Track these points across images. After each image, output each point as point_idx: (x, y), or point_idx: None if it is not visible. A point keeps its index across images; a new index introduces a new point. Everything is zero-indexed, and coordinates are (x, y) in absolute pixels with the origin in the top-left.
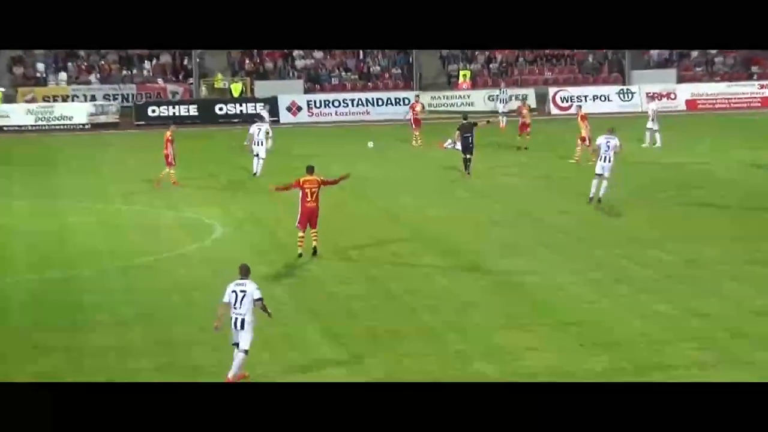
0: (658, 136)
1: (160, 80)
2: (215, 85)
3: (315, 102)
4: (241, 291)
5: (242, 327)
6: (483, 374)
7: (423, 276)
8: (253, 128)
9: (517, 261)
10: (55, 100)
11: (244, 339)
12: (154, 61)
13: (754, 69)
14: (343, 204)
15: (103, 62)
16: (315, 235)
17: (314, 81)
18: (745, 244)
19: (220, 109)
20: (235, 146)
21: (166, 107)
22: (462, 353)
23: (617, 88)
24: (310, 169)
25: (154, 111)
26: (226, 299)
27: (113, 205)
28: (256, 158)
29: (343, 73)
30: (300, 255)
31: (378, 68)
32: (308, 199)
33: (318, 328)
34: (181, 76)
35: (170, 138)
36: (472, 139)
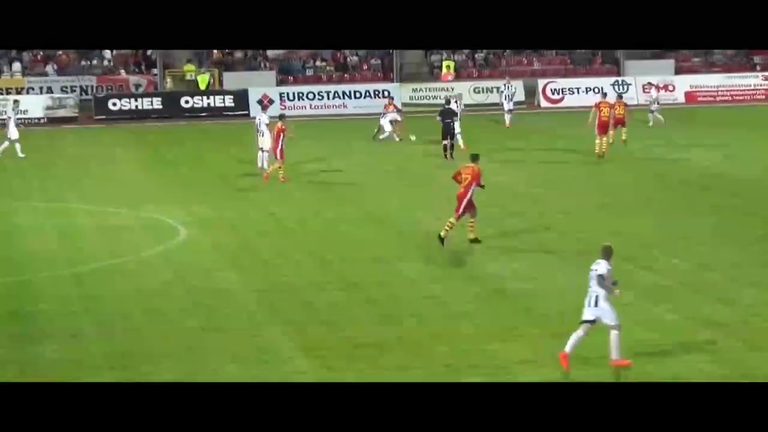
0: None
1: (122, 71)
2: (185, 76)
3: (288, 95)
4: (594, 269)
5: (596, 304)
6: None
7: (408, 282)
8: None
9: (512, 266)
10: (8, 93)
11: (608, 316)
12: (115, 51)
13: (757, 60)
14: (321, 204)
15: (60, 52)
16: (470, 225)
17: (287, 72)
18: (763, 246)
19: (186, 102)
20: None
21: (128, 100)
22: (451, 366)
23: (611, 79)
24: (474, 157)
25: (115, 104)
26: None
27: (68, 205)
28: (260, 151)
29: (318, 64)
30: (441, 240)
31: (356, 59)
32: (460, 186)
33: (292, 340)
34: (144, 67)
35: (283, 128)
36: (452, 125)
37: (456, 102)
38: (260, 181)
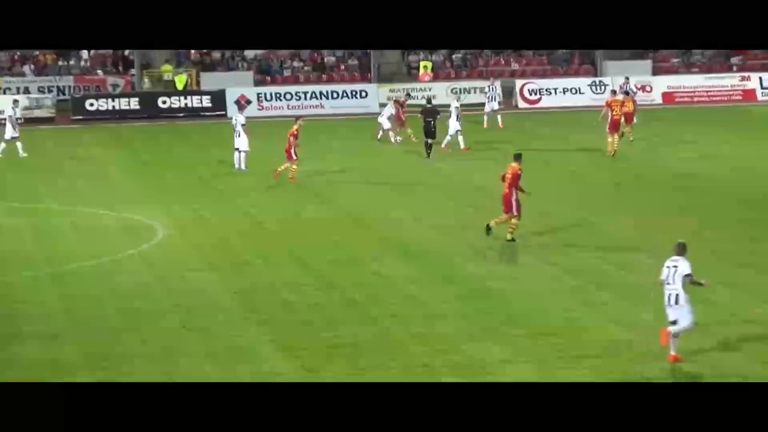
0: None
1: (99, 72)
2: (162, 77)
3: (265, 95)
4: (674, 267)
5: (676, 302)
6: None
7: (386, 283)
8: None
9: (490, 266)
10: None
11: (681, 316)
12: (93, 52)
13: (735, 60)
14: (300, 205)
15: (37, 52)
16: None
17: (265, 73)
18: (738, 246)
19: (164, 102)
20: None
21: (105, 100)
22: (429, 366)
23: (589, 80)
24: (516, 157)
25: (92, 105)
26: (662, 276)
27: (46, 205)
28: (236, 152)
29: (296, 65)
30: (488, 230)
31: (333, 59)
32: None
33: (271, 340)
34: (121, 68)
35: (296, 132)
36: (434, 124)
37: (456, 97)
38: (239, 182)
